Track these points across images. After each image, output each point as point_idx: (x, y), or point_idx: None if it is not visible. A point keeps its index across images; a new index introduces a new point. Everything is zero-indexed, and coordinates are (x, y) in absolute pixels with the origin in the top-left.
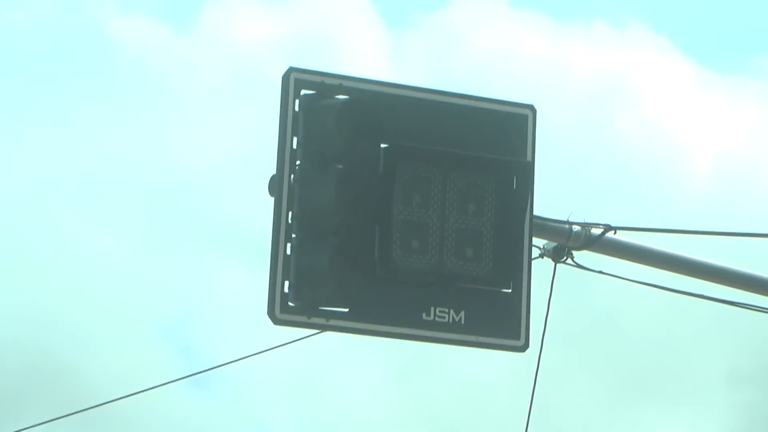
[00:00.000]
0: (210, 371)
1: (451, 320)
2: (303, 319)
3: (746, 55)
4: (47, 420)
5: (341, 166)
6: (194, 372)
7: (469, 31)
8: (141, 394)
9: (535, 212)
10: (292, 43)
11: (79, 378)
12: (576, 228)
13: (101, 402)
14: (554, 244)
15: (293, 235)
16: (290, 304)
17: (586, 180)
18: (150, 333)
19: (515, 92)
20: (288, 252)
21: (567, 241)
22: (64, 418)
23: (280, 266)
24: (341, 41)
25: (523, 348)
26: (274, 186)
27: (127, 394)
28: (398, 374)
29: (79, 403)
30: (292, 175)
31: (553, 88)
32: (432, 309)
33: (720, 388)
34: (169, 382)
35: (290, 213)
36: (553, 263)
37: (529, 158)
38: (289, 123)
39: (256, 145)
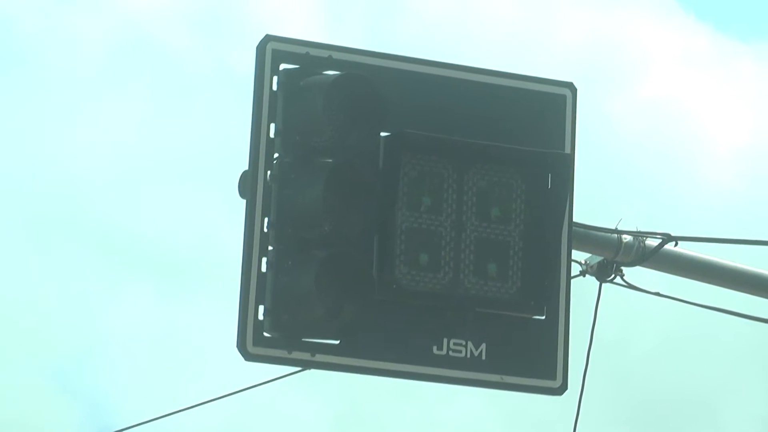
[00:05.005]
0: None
1: (468, 355)
2: (282, 353)
3: None
4: None
5: (331, 160)
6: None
7: None
8: None
9: (575, 218)
10: (195, 6)
11: None
12: (627, 238)
13: None
14: (600, 258)
15: (270, 248)
16: (266, 334)
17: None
18: (42, 380)
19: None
20: (263, 269)
21: (616, 254)
22: None
23: (253, 287)
24: (259, 3)
25: (561, 390)
26: (246, 185)
27: None
28: (348, 418)
29: None
30: (269, 172)
31: (525, 59)
32: (445, 341)
33: None
34: None
35: (266, 219)
36: (598, 282)
37: (567, 150)
38: (265, 106)
39: (160, 135)
